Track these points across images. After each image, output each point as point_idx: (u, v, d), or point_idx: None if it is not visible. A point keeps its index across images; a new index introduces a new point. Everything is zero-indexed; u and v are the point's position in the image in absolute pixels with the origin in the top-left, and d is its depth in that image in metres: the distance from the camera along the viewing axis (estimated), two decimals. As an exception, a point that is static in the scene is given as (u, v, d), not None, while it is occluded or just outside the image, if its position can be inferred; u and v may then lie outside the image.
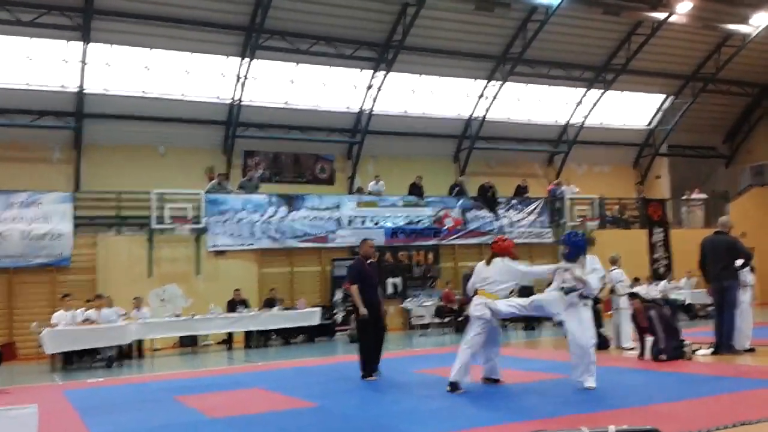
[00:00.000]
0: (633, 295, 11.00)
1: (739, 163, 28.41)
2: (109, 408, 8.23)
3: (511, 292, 8.24)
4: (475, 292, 8.09)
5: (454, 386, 7.73)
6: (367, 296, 9.47)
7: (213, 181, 19.06)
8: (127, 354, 14.99)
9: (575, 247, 8.07)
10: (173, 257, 17.92)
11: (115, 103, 19.18)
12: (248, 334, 16.75)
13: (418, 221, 20.60)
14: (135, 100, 19.35)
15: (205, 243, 18.05)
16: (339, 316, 18.45)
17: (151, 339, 15.89)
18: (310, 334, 17.31)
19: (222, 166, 20.50)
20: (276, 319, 16.47)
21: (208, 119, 20.59)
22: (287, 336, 17.12)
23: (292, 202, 19.25)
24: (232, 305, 16.62)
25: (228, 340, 16.84)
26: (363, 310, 9.33)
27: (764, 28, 22.75)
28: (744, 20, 22.65)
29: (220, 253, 18.28)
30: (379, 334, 9.72)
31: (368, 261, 9.83)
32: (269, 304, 16.94)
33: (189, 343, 16.67)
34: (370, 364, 9.48)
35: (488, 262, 8.12)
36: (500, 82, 22.59)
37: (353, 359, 10.07)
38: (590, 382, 7.51)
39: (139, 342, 15.54)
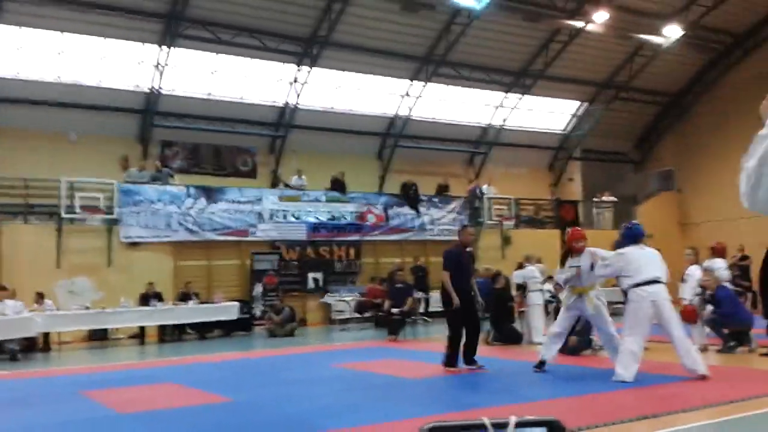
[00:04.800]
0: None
1: (647, 168, 29.67)
2: (13, 402, 7.88)
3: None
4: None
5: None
6: (461, 285, 9.01)
7: (133, 168, 18.45)
8: (33, 347, 14.36)
9: (622, 237, 8.40)
10: (84, 248, 17.27)
11: (25, 88, 18.29)
12: (162, 329, 16.36)
13: (341, 217, 20.60)
14: (47, 85, 18.52)
15: (117, 234, 17.50)
16: (258, 311, 18.27)
17: (58, 332, 15.28)
18: (227, 329, 17.05)
19: (137, 155, 19.89)
20: (192, 312, 16.14)
21: (125, 107, 19.92)
22: (203, 330, 16.82)
23: (211, 194, 18.90)
24: (145, 298, 16.18)
25: (140, 335, 16.38)
26: (456, 300, 8.86)
27: (675, 39, 23.82)
28: (656, 31, 23.65)
29: (133, 245, 17.75)
30: (475, 323, 9.23)
31: (467, 249, 9.42)
32: (184, 297, 16.59)
33: (99, 336, 16.12)
34: (456, 355, 9.02)
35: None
36: (423, 83, 22.85)
37: (270, 354, 10.01)
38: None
39: (46, 335, 14.92)
